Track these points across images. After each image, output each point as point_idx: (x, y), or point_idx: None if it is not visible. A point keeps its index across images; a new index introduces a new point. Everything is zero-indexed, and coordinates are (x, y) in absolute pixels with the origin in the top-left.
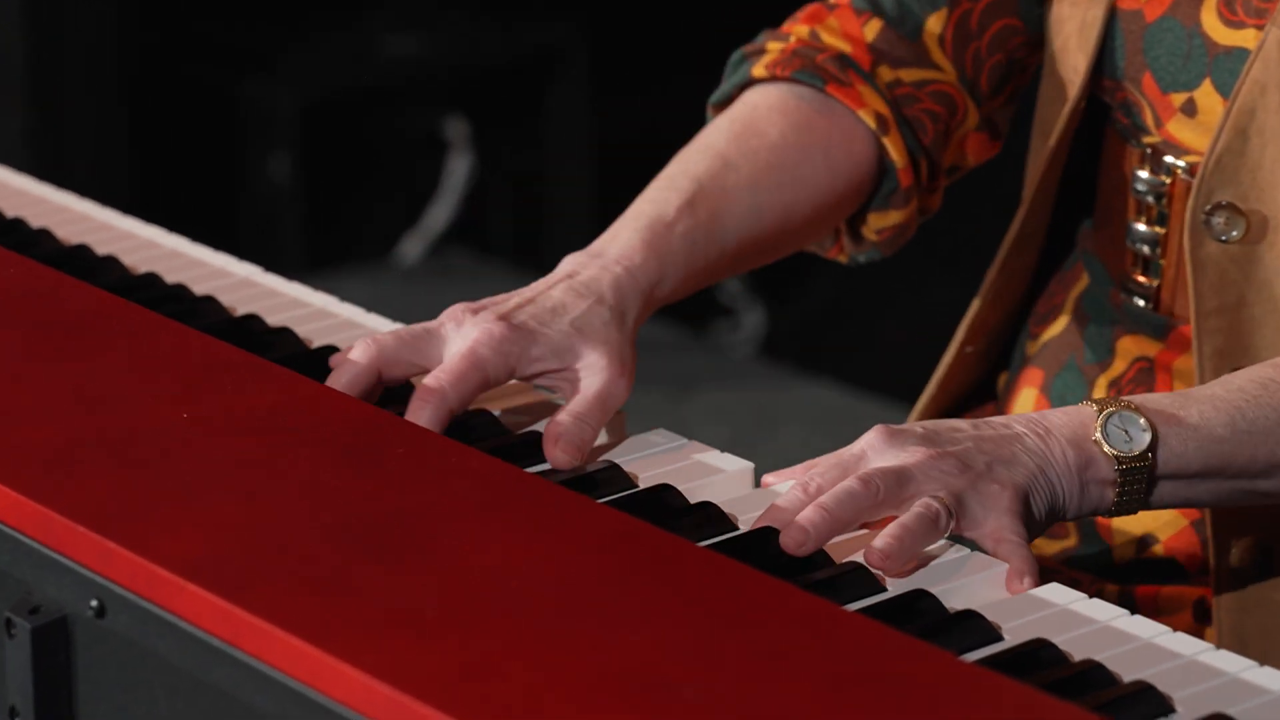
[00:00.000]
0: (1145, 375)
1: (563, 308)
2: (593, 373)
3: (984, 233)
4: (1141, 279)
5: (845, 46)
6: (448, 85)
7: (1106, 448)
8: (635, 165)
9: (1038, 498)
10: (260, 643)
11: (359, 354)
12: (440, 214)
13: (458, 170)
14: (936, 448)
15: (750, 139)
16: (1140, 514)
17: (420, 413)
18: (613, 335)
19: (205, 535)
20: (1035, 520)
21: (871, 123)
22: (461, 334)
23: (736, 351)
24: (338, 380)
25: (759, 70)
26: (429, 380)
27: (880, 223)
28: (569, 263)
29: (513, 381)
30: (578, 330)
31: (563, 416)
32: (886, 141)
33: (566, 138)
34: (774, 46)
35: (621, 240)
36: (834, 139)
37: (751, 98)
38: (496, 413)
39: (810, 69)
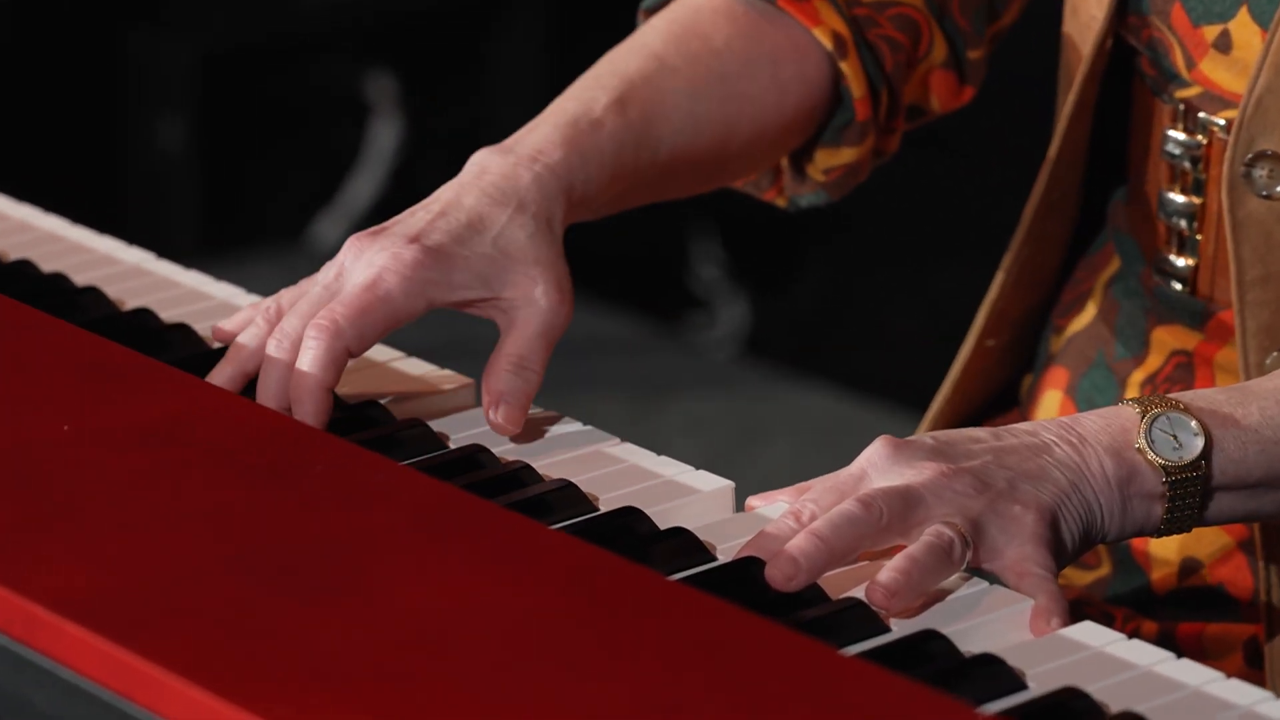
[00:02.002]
0: (1184, 372)
1: (480, 221)
2: (529, 302)
3: (1001, 213)
4: (1177, 258)
5: None
6: (371, 35)
7: (1151, 455)
8: None
9: (1070, 519)
10: (155, 693)
11: (275, 350)
12: (363, 188)
13: (383, 135)
14: (950, 463)
15: (691, 41)
16: (1182, 537)
17: (305, 354)
18: (543, 252)
19: (90, 568)
20: (1066, 546)
21: (828, 43)
22: (364, 263)
23: (715, 351)
24: (266, 387)
25: None
26: (320, 317)
27: (829, 161)
28: (477, 161)
29: (449, 386)
30: (502, 251)
31: (502, 364)
32: (844, 67)
33: (513, 96)
34: None
35: (538, 134)
36: (784, 54)
37: (692, 1)
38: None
39: None
